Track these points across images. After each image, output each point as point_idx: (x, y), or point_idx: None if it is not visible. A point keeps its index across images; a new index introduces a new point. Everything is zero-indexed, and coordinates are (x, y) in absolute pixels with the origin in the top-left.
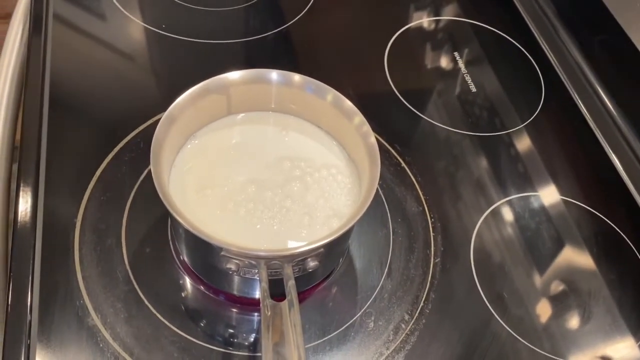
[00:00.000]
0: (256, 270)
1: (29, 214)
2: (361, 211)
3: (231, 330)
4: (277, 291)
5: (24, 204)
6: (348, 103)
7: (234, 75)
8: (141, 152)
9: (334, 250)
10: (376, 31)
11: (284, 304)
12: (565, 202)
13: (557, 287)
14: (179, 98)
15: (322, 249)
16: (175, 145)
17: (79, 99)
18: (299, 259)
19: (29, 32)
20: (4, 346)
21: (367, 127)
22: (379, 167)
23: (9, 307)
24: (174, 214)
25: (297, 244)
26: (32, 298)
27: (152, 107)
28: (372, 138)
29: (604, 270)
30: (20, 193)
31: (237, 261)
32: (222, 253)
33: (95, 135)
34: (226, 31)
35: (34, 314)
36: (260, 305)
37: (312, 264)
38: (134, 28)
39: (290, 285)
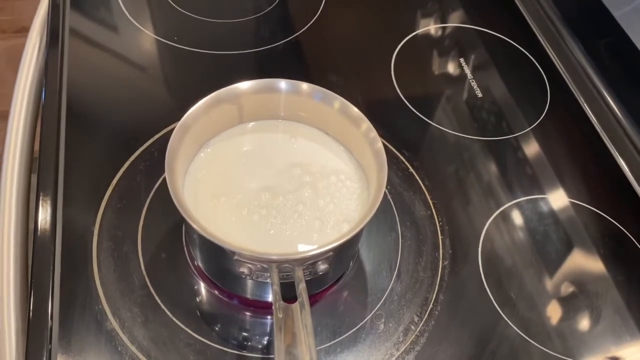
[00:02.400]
0: (268, 274)
1: (48, 223)
2: (369, 215)
3: (245, 333)
4: (289, 294)
5: (44, 214)
6: (355, 110)
7: (244, 85)
8: (156, 160)
9: (344, 254)
10: (383, 39)
11: (295, 306)
12: (573, 204)
13: (565, 288)
14: (192, 108)
15: (331, 253)
16: (189, 153)
17: (95, 110)
18: (309, 262)
19: (46, 46)
20: (26, 352)
21: (374, 134)
22: (386, 172)
23: (31, 313)
24: (188, 220)
25: (308, 248)
26: (53, 304)
27: (165, 117)
28: (379, 144)
29: (612, 271)
30: (40, 203)
31: (249, 265)
32: (235, 257)
33: (111, 145)
34: (237, 42)
35: (55, 320)
36: (273, 307)
37: (322, 267)
38: (147, 41)
39: (301, 288)
